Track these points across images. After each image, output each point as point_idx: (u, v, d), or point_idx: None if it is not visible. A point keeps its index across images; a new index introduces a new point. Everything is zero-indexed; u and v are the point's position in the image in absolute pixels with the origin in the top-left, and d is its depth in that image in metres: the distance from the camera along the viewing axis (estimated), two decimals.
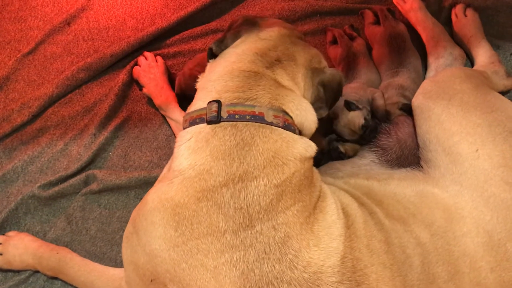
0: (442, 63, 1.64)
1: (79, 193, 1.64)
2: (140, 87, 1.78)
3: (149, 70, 1.76)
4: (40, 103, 1.77)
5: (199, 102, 1.07)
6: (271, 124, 1.01)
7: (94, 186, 1.63)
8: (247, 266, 0.89)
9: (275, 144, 0.99)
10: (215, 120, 1.00)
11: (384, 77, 1.65)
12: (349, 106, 1.44)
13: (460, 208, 1.09)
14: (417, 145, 1.29)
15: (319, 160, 1.47)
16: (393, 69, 1.63)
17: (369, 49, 1.79)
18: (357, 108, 1.44)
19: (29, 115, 1.76)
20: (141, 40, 1.85)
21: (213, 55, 1.20)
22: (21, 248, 1.48)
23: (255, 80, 1.05)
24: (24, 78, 1.86)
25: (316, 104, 1.16)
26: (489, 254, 1.04)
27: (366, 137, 1.41)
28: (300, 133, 1.10)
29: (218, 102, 1.02)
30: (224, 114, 1.00)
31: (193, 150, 0.99)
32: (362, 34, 1.85)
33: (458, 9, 1.74)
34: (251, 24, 1.23)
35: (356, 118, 1.41)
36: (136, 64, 1.82)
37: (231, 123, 1.00)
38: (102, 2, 1.98)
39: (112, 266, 1.52)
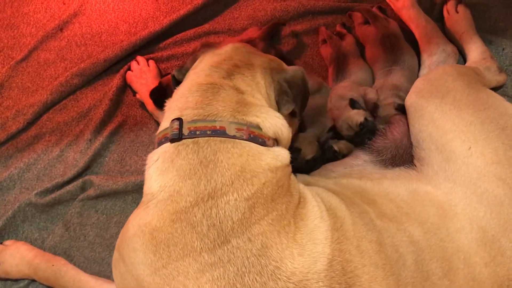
0: (435, 60, 1.65)
1: (76, 199, 1.64)
2: (134, 93, 1.78)
3: (141, 75, 1.77)
4: (34, 110, 1.78)
5: (164, 122, 1.08)
6: (233, 137, 1.00)
7: (91, 192, 1.63)
8: (229, 282, 0.88)
9: (240, 158, 0.99)
10: (177, 137, 1.00)
11: (378, 75, 1.65)
12: (354, 104, 1.46)
13: (454, 205, 1.09)
14: (412, 144, 1.29)
15: (313, 166, 1.47)
16: (387, 67, 1.63)
17: (361, 46, 1.79)
18: (360, 107, 1.45)
19: (24, 122, 1.77)
20: (134, 44, 1.86)
21: (177, 82, 1.21)
22: (18, 257, 1.49)
23: (213, 94, 1.06)
24: (18, 85, 1.86)
25: (280, 98, 1.16)
26: (483, 249, 1.04)
27: (362, 135, 1.42)
28: (277, 140, 1.09)
29: (179, 119, 1.02)
30: (185, 131, 1.00)
31: (161, 171, 1.00)
32: (354, 32, 1.85)
33: (449, 6, 1.74)
34: (208, 46, 1.25)
35: (357, 115, 1.43)
36: (129, 68, 1.82)
37: (192, 139, 0.99)
38: (94, 7, 1.99)
39: (111, 271, 1.51)
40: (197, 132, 1.00)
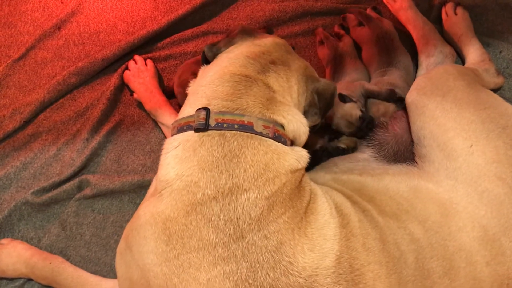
0: (433, 61, 1.65)
1: (73, 199, 1.63)
2: (131, 92, 1.78)
3: (139, 75, 1.76)
4: (31, 109, 1.76)
5: (188, 109, 1.05)
6: (260, 134, 0.99)
7: (87, 191, 1.62)
8: (241, 277, 0.88)
9: (265, 156, 0.97)
10: (203, 128, 0.98)
11: (374, 76, 1.65)
12: (344, 98, 1.46)
13: (455, 203, 1.09)
14: (413, 140, 1.29)
15: (320, 157, 1.46)
16: (383, 68, 1.64)
17: (359, 48, 1.79)
18: (351, 100, 1.45)
19: (21, 121, 1.75)
20: (132, 43, 1.85)
21: (206, 60, 1.18)
22: (14, 256, 1.47)
23: (245, 87, 1.03)
24: (15, 84, 1.85)
25: (310, 109, 1.15)
26: (484, 248, 1.04)
27: (364, 128, 1.42)
28: (292, 142, 1.08)
29: (206, 109, 1.00)
30: (212, 122, 0.98)
31: (180, 159, 0.98)
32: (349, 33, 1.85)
33: (448, 8, 1.75)
34: (247, 33, 1.22)
35: (352, 109, 1.42)
36: (127, 68, 1.82)
37: (219, 132, 0.98)
38: (93, 6, 1.98)
39: (107, 271, 1.51)
40: (225, 125, 0.98)
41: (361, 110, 1.42)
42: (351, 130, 1.44)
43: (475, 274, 1.02)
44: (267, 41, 1.18)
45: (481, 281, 1.02)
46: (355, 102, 1.45)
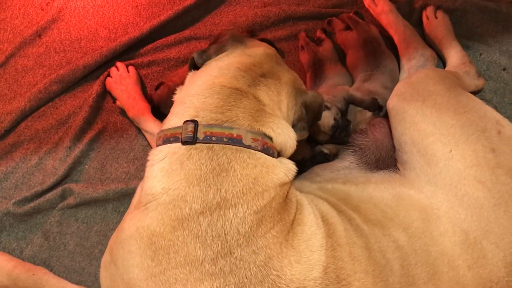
0: (414, 64, 1.67)
1: (56, 208, 1.61)
2: (114, 99, 1.76)
3: (121, 81, 1.75)
4: (12, 118, 1.75)
5: (175, 119, 1.03)
6: (249, 147, 0.98)
7: (70, 200, 1.60)
8: None
9: (254, 170, 0.97)
10: (191, 141, 0.96)
11: (358, 79, 1.66)
12: None
13: (436, 208, 1.10)
14: (394, 146, 1.29)
15: (303, 167, 1.45)
16: (368, 71, 1.64)
17: (340, 53, 1.80)
18: (326, 108, 1.44)
19: (1, 130, 1.73)
20: (114, 50, 1.84)
21: (195, 66, 1.17)
22: None
23: (235, 100, 1.02)
24: None
25: (298, 124, 1.14)
26: (466, 252, 1.05)
27: (337, 136, 1.41)
28: (279, 153, 1.07)
29: (194, 122, 0.98)
30: (200, 135, 0.97)
31: (166, 172, 0.96)
32: (334, 38, 1.86)
33: (428, 11, 1.77)
34: (238, 41, 1.20)
35: (325, 118, 1.41)
36: (109, 75, 1.80)
37: (207, 145, 0.96)
38: (74, 13, 1.96)
39: (92, 281, 1.50)
40: (213, 138, 0.96)
41: (334, 118, 1.41)
42: (325, 138, 1.44)
43: (458, 279, 1.03)
44: (258, 52, 1.16)
45: (464, 285, 1.03)
46: (329, 109, 1.44)
